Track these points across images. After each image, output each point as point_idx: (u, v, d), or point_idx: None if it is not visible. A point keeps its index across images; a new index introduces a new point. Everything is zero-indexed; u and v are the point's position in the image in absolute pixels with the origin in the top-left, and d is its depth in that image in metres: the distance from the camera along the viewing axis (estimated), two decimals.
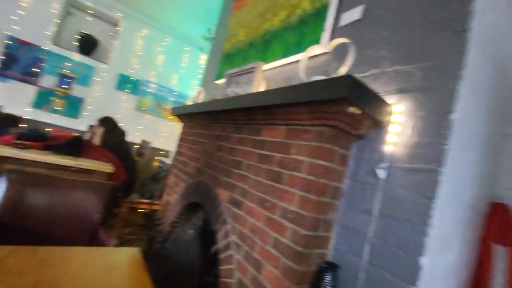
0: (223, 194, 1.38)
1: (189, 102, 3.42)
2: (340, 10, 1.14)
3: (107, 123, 2.95)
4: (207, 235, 1.61)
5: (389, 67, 0.90)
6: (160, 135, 4.40)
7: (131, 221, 2.95)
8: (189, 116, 2.11)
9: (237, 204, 1.24)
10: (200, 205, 1.69)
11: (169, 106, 4.43)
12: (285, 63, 1.40)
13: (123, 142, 2.96)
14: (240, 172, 1.28)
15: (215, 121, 1.69)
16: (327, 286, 0.86)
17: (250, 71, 1.48)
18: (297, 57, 1.29)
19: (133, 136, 3.88)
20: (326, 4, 1.16)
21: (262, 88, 1.45)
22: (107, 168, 2.28)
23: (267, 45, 1.54)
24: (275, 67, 1.50)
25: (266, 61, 1.52)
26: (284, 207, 0.96)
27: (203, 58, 4.38)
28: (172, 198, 2.09)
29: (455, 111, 0.72)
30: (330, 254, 0.95)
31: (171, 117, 4.12)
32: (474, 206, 0.90)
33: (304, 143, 0.95)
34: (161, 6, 3.67)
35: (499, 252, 0.95)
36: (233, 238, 1.20)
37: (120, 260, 1.07)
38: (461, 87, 0.73)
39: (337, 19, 1.15)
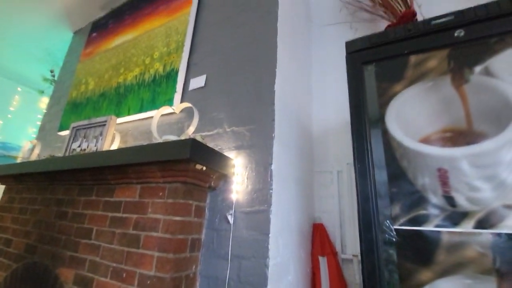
0: (67, 274, 1.11)
1: (19, 157, 2.64)
2: (188, 76, 1.31)
3: None
4: None
5: (228, 128, 1.09)
6: None
7: None
8: (17, 177, 1.63)
9: (86, 283, 1.03)
10: None
11: None
12: (141, 117, 1.40)
13: None
14: (90, 242, 1.09)
15: (55, 182, 1.40)
16: None
17: (102, 124, 1.37)
18: (152, 113, 1.33)
19: None
20: (176, 69, 1.31)
21: (115, 142, 1.37)
22: None
23: (121, 99, 1.50)
24: (131, 121, 1.47)
25: (121, 114, 1.46)
26: (142, 273, 0.90)
27: (44, 102, 3.61)
28: None
29: (273, 163, 0.96)
30: None
31: None
32: (301, 230, 1.17)
33: (159, 201, 0.95)
34: None
35: (322, 261, 1.26)
36: None
37: None
38: (274, 144, 0.98)
39: (186, 83, 1.30)
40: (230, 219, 0.96)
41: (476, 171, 0.66)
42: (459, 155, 0.69)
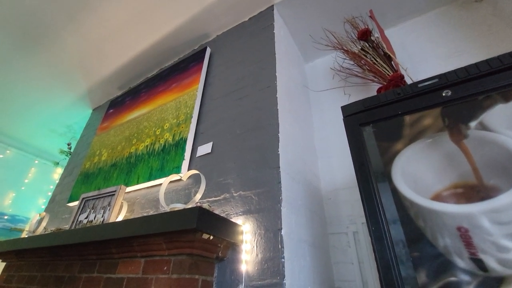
0: None
1: (24, 230, 2.60)
2: (196, 144, 1.38)
3: None
4: None
5: (235, 192, 1.09)
6: None
7: None
8: (19, 253, 1.58)
9: None
10: None
11: None
12: (149, 185, 1.42)
13: None
14: None
15: (58, 257, 1.34)
16: None
17: (111, 194, 1.39)
18: (160, 180, 1.35)
19: None
20: (185, 138, 1.38)
21: (123, 211, 1.36)
22: None
23: (131, 167, 1.55)
24: (140, 189, 1.49)
25: (130, 183, 1.49)
26: None
27: (58, 172, 3.74)
28: None
29: (283, 227, 0.92)
30: None
31: None
32: None
33: (163, 277, 0.89)
34: (13, 120, 3.12)
35: None
36: None
37: None
38: (283, 207, 0.96)
39: (194, 150, 1.36)
40: None
41: (499, 229, 0.62)
42: (476, 212, 0.66)
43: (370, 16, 1.53)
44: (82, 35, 2.01)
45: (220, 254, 0.96)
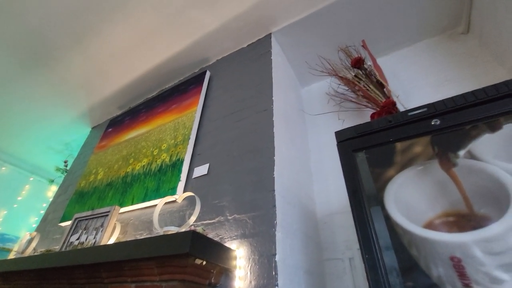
0: None
1: (13, 250, 2.51)
2: (192, 165, 1.39)
3: None
4: None
5: (230, 215, 1.08)
6: None
7: None
8: (4, 276, 1.52)
9: None
10: None
11: None
12: (144, 206, 1.41)
13: None
14: None
15: (45, 281, 1.30)
16: None
17: (104, 215, 1.37)
18: (155, 202, 1.35)
19: None
20: (182, 159, 1.40)
21: (115, 233, 1.33)
22: None
23: (127, 188, 1.55)
24: (134, 210, 1.47)
25: (125, 203, 1.48)
26: None
27: (52, 190, 3.68)
28: None
29: (277, 253, 0.91)
30: None
31: None
32: None
33: None
34: (11, 136, 3.12)
35: None
36: None
37: None
38: (277, 231, 0.95)
39: (190, 171, 1.37)
40: None
41: (492, 259, 0.62)
42: (469, 241, 0.66)
43: (363, 46, 1.61)
44: (87, 56, 2.08)
45: (212, 281, 0.93)
